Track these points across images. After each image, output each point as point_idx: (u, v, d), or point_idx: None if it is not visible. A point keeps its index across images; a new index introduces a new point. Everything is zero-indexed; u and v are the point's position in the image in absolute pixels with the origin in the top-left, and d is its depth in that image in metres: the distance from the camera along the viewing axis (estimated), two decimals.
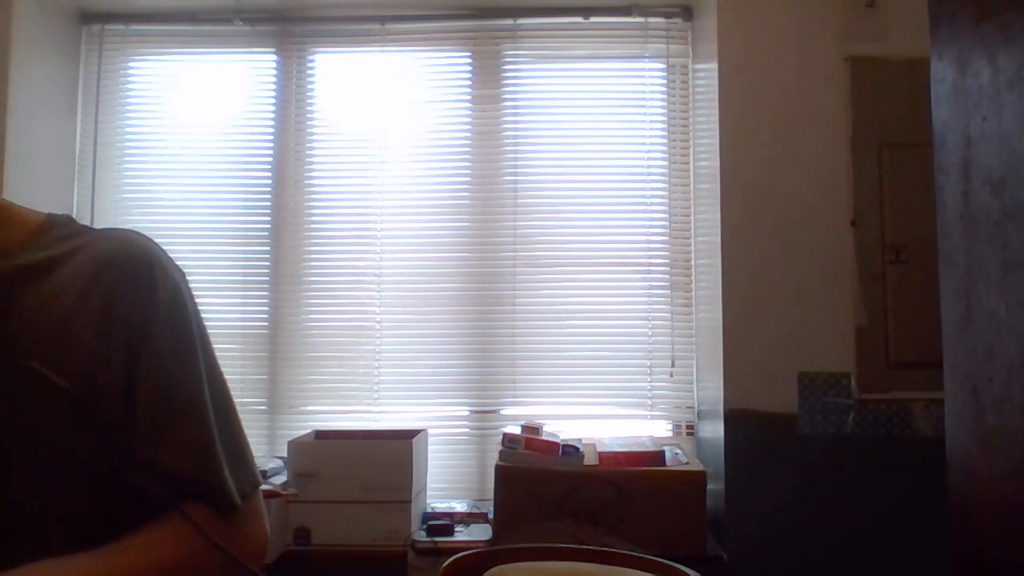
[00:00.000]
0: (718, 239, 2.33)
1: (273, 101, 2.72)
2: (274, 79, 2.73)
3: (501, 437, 2.18)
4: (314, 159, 2.71)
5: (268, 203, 2.68)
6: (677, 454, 2.22)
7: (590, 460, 2.14)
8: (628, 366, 2.59)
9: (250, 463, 0.89)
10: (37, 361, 0.78)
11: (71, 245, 0.84)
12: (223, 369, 0.91)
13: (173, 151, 2.72)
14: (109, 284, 0.82)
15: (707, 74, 2.49)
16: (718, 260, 2.33)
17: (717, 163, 2.35)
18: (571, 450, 2.13)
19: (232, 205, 2.70)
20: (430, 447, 2.47)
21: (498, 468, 2.12)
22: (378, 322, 2.64)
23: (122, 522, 0.80)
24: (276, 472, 2.33)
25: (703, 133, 2.53)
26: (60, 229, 0.86)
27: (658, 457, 2.15)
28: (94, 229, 0.88)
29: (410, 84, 2.71)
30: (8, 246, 0.82)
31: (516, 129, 2.68)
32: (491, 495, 2.16)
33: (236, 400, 0.92)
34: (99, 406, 0.80)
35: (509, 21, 2.70)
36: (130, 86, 2.75)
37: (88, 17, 2.74)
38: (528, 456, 2.13)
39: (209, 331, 0.91)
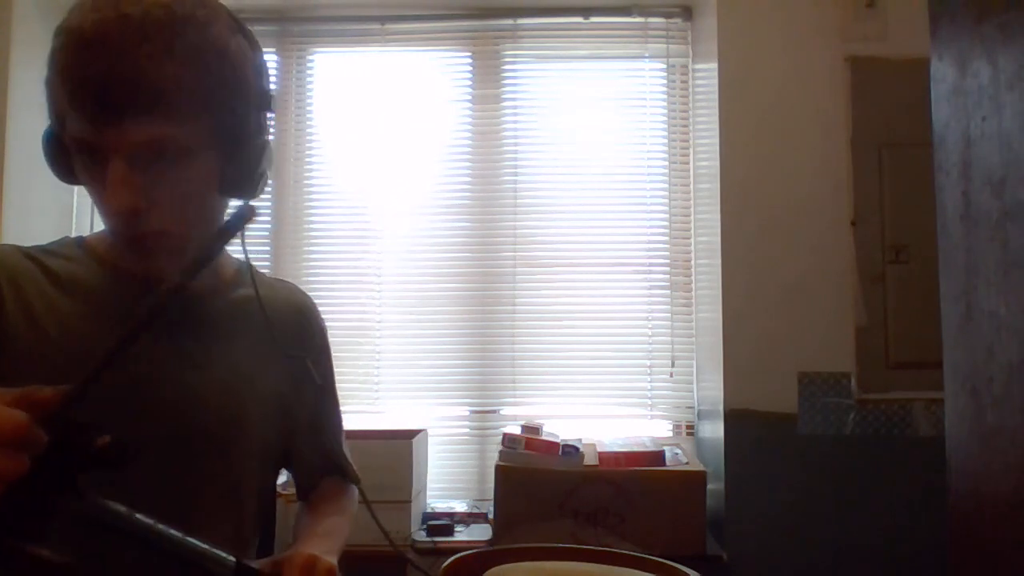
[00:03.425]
0: (718, 239, 2.33)
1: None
2: (274, 79, 2.73)
3: (501, 437, 2.18)
4: (314, 159, 2.70)
5: (268, 203, 2.68)
6: (677, 454, 2.22)
7: (590, 460, 2.13)
8: (628, 366, 2.59)
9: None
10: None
11: (273, 287, 1.11)
12: None
13: None
14: (306, 317, 1.14)
15: (707, 74, 2.49)
16: (718, 260, 2.33)
17: (717, 163, 2.35)
18: (571, 450, 2.13)
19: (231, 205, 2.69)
20: (430, 447, 2.47)
21: (498, 468, 2.12)
22: (378, 322, 2.63)
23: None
24: None
25: (703, 133, 2.53)
26: (255, 272, 1.07)
27: (658, 457, 2.15)
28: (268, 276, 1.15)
29: (410, 84, 2.72)
30: (225, 279, 1.04)
31: (516, 129, 2.68)
32: (491, 495, 2.16)
33: None
34: (298, 400, 1.09)
35: (509, 21, 2.70)
36: None
37: None
38: (528, 456, 2.13)
39: None
